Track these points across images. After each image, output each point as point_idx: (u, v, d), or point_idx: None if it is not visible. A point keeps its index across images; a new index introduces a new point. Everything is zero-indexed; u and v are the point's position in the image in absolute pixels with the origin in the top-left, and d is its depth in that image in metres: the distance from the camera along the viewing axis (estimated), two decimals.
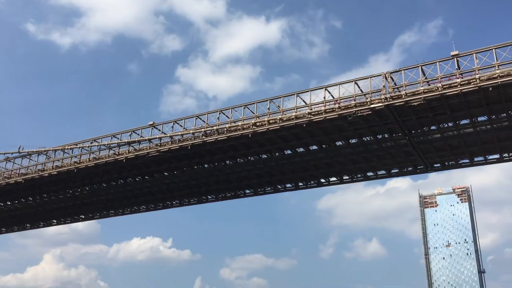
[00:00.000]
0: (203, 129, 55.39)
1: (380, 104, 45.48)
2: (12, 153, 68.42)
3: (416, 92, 44.51)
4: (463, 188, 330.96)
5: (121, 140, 60.86)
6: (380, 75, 47.43)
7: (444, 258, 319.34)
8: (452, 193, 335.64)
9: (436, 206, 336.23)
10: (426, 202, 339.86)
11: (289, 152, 57.21)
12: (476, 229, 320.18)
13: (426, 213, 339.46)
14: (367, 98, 47.36)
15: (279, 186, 67.12)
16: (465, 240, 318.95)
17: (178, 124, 58.04)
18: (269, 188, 68.02)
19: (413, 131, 49.91)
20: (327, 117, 48.33)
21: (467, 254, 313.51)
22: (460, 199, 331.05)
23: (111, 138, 61.79)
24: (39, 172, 64.82)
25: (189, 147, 55.92)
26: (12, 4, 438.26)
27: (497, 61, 42.29)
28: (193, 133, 56.06)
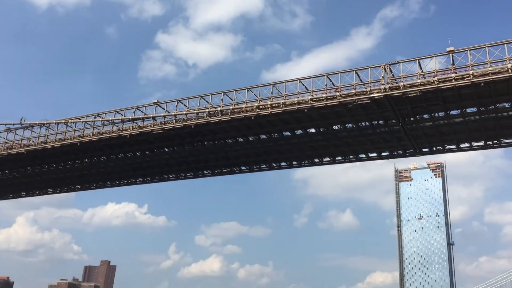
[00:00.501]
0: (207, 110, 57.71)
1: (379, 94, 48.58)
2: (13, 124, 69.59)
3: (413, 84, 47.67)
4: (438, 163, 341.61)
5: (124, 116, 62.76)
6: (380, 66, 50.35)
7: (415, 231, 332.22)
8: (427, 168, 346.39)
9: (410, 180, 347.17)
10: (401, 176, 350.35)
11: (287, 133, 60.15)
12: (447, 203, 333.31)
13: (400, 186, 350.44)
14: (366, 88, 50.41)
15: (274, 164, 70.27)
16: (437, 213, 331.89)
17: (182, 103, 60.14)
18: (264, 166, 71.11)
19: (406, 119, 53.38)
20: (328, 104, 51.30)
21: (438, 227, 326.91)
22: (434, 174, 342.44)
23: (115, 114, 63.53)
24: (42, 144, 66.33)
25: (192, 126, 58.32)
26: None
27: (489, 58, 45.62)
28: (197, 113, 58.38)
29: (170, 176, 77.31)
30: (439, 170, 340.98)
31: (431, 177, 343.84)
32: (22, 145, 68.13)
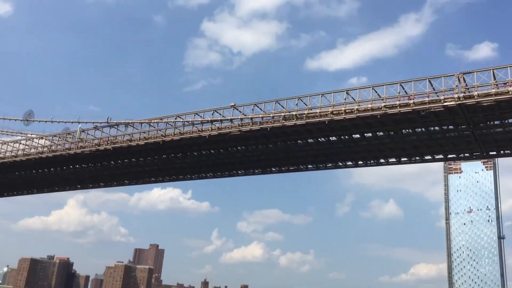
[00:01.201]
0: (282, 114, 61.80)
1: (453, 103, 51.14)
2: (100, 123, 76.09)
3: (488, 94, 49.94)
4: None
5: (203, 118, 67.79)
6: (453, 75, 52.75)
7: (464, 224, 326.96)
8: (478, 160, 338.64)
9: (460, 172, 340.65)
10: (450, 168, 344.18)
11: (357, 136, 63.47)
12: (499, 196, 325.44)
13: (449, 178, 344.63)
14: (438, 96, 53.04)
15: (340, 163, 73.80)
16: (487, 207, 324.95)
17: (258, 107, 64.45)
18: (330, 165, 74.76)
19: (476, 125, 55.58)
20: (402, 111, 54.26)
21: (488, 221, 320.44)
22: (486, 167, 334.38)
23: (194, 115, 68.72)
24: (128, 142, 72.49)
25: (268, 128, 62.66)
26: None
27: None
28: (272, 117, 62.63)
29: (239, 172, 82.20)
30: (490, 163, 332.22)
31: (482, 170, 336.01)
32: (109, 142, 74.53)
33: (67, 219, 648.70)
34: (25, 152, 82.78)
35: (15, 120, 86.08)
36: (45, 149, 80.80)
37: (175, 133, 69.47)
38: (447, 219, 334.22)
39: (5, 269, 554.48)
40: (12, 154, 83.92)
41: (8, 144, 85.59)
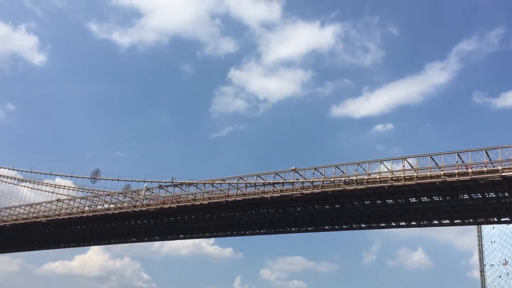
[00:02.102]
0: (342, 178, 66.12)
1: (511, 173, 54.78)
2: (165, 182, 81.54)
3: None
4: None
5: (265, 180, 72.53)
6: (510, 147, 56.66)
7: (500, 276, 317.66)
8: None
9: (494, 222, 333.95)
10: None
11: (413, 199, 67.07)
12: None
13: (482, 229, 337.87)
14: (494, 166, 56.84)
15: (393, 223, 76.96)
16: None
17: (318, 171, 69.00)
18: (383, 224, 77.97)
19: None
20: (460, 179, 57.98)
21: None
22: None
23: (256, 177, 73.54)
24: (192, 201, 77.45)
25: (329, 192, 66.85)
26: (76, 4, 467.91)
27: None
28: (333, 181, 66.93)
29: (293, 229, 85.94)
30: None
31: None
32: (173, 200, 79.62)
33: (90, 264, 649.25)
34: (91, 208, 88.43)
35: (82, 178, 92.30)
36: (112, 205, 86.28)
37: (238, 193, 74.20)
38: (482, 271, 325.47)
39: None
40: (79, 210, 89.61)
41: (75, 201, 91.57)
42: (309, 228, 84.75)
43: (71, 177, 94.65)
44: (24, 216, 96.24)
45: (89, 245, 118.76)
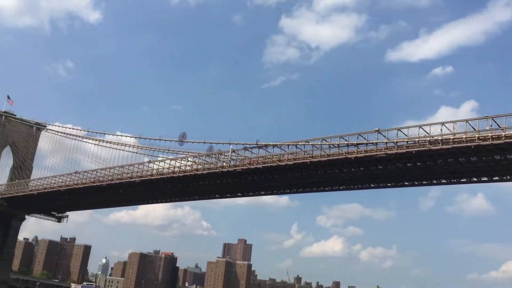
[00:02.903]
0: (427, 138, 68.26)
1: None
2: (250, 144, 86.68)
3: None
4: None
5: (348, 141, 75.83)
6: None
7: None
8: None
9: None
10: None
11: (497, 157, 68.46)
12: None
13: None
14: None
15: (475, 179, 78.68)
16: None
17: (401, 131, 71.36)
18: (464, 180, 79.96)
19: None
20: None
21: None
22: None
23: (339, 138, 76.93)
24: (277, 161, 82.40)
25: (413, 152, 69.40)
26: None
27: None
28: (418, 141, 69.23)
29: (372, 185, 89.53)
30: None
31: None
32: (259, 161, 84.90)
33: (153, 214, 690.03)
34: (181, 169, 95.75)
35: (170, 141, 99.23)
36: (200, 166, 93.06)
37: (322, 154, 78.19)
38: None
39: (104, 260, 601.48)
40: (170, 170, 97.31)
41: (164, 162, 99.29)
42: (388, 184, 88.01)
43: (159, 140, 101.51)
44: (119, 176, 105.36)
45: (172, 201, 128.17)
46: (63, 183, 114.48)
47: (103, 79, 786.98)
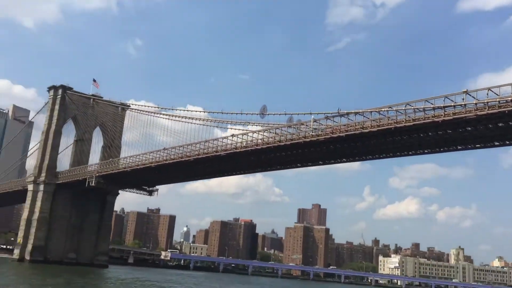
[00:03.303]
0: None
1: None
2: (331, 113, 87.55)
3: None
4: None
5: (434, 104, 74.51)
6: None
7: None
8: None
9: None
10: None
11: None
12: None
13: None
14: None
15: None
16: None
17: (492, 91, 69.01)
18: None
19: None
20: None
21: None
22: None
23: (424, 102, 75.76)
24: (361, 129, 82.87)
25: (506, 111, 67.33)
26: None
27: None
28: (510, 100, 66.87)
29: (459, 147, 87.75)
30: None
31: None
32: (342, 130, 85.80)
33: (227, 183, 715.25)
34: (264, 141, 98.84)
35: (252, 114, 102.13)
36: (282, 137, 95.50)
37: (407, 119, 77.58)
38: None
39: (185, 228, 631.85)
40: (253, 143, 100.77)
41: (247, 135, 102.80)
42: (476, 146, 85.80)
43: (241, 114, 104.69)
44: (205, 150, 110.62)
45: (255, 172, 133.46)
46: (153, 159, 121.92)
47: (171, 53, 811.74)
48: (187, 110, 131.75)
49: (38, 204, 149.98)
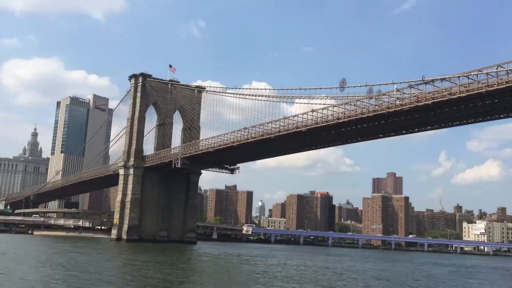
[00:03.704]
0: None
1: None
2: (415, 81, 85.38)
3: None
4: None
5: None
6: None
7: None
8: None
9: None
10: None
11: None
12: None
13: None
14: None
15: None
16: None
17: None
18: None
19: None
20: None
21: None
22: None
23: None
24: (448, 95, 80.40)
25: None
26: None
27: None
28: None
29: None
30: None
31: None
32: (428, 97, 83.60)
33: (297, 156, 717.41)
34: (345, 114, 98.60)
35: (330, 88, 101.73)
36: (364, 109, 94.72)
37: (499, 81, 74.21)
38: None
39: (260, 203, 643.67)
40: (334, 117, 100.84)
41: (328, 109, 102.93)
42: None
43: (319, 88, 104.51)
44: (286, 128, 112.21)
45: (335, 145, 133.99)
46: (234, 139, 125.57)
47: (233, 31, 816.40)
48: (256, 89, 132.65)
49: (130, 187, 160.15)
